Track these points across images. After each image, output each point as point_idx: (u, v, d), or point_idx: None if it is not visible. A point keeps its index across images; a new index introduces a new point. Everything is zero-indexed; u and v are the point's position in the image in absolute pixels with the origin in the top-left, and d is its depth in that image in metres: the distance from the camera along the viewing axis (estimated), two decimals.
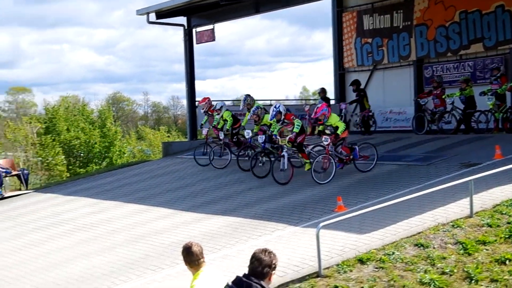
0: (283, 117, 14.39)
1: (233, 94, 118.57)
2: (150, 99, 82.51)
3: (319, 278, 8.52)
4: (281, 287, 8.28)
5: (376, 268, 8.63)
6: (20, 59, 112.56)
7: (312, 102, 27.43)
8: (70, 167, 33.61)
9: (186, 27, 22.99)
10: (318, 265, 8.65)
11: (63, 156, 33.91)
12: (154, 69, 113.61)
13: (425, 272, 8.44)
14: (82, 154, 34.76)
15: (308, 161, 14.57)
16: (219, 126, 16.99)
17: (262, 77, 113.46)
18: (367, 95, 20.96)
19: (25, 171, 20.13)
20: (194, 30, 22.75)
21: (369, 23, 22.64)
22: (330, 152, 14.03)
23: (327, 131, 14.15)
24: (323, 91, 21.69)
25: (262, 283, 4.81)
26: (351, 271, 8.60)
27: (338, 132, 13.91)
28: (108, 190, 17.13)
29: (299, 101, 44.15)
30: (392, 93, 22.43)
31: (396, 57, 21.99)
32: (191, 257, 5.58)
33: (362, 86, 21.53)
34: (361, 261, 8.82)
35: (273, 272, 4.90)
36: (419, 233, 9.46)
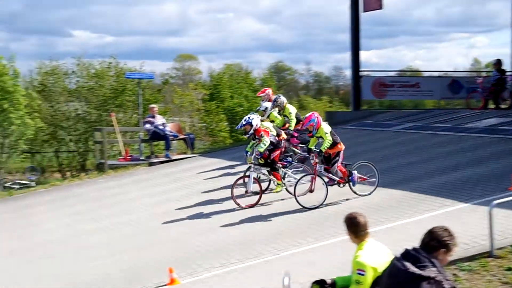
0: (252, 131, 12.41)
1: (398, 65, 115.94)
2: (312, 68, 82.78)
3: (490, 258, 7.99)
4: (448, 265, 7.80)
5: None
6: (188, 28, 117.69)
7: (484, 74, 26.01)
8: (233, 133, 34.52)
9: None
10: (490, 244, 8.13)
11: (226, 123, 34.90)
12: (317, 38, 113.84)
13: None
14: None
15: (280, 182, 12.45)
16: None
17: (429, 48, 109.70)
18: None
19: (191, 136, 20.84)
20: None
21: None
22: (318, 172, 11.77)
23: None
24: (498, 63, 20.53)
25: (433, 259, 4.46)
26: None
27: (322, 148, 11.71)
28: None
29: (470, 73, 41.96)
30: None
31: None
32: (357, 228, 5.45)
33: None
34: None
35: (444, 250, 4.54)
36: None
